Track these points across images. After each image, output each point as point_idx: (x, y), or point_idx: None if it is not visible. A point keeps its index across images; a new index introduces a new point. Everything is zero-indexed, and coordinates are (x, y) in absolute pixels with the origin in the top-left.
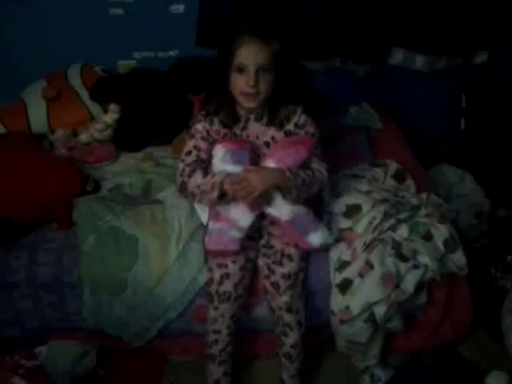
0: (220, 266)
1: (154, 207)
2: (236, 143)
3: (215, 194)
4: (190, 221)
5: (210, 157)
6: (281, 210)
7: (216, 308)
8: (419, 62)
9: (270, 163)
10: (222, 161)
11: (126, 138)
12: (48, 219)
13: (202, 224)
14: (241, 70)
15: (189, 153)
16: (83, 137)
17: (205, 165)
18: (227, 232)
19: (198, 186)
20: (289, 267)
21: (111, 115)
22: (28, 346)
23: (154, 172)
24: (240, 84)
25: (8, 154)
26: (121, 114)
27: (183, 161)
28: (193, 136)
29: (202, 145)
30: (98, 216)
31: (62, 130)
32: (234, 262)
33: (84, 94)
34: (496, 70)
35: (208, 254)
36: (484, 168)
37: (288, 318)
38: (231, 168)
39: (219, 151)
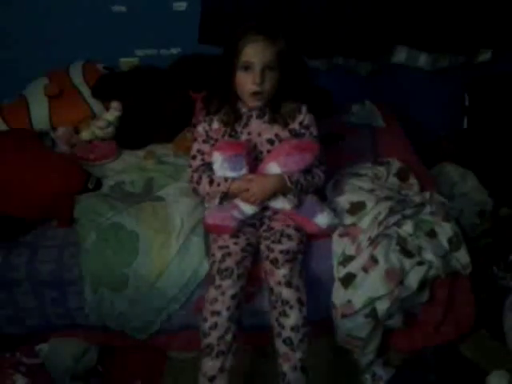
0: (221, 247)
1: (156, 204)
2: (232, 149)
3: (217, 201)
4: (191, 217)
5: None
6: (284, 201)
7: (218, 287)
8: (422, 60)
9: (274, 167)
10: (221, 168)
11: (127, 136)
12: (49, 217)
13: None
14: (247, 68)
15: (194, 157)
16: (85, 134)
17: (211, 166)
18: (228, 210)
19: (208, 193)
20: (288, 245)
21: (113, 113)
22: (29, 343)
23: (156, 170)
24: (245, 82)
25: (9, 152)
26: (122, 112)
27: (190, 166)
28: (195, 139)
29: (205, 148)
30: (99, 213)
31: (63, 128)
32: (235, 243)
33: (86, 92)
34: (499, 68)
35: (207, 230)
36: (487, 167)
37: (287, 293)
38: (230, 174)
39: (217, 159)
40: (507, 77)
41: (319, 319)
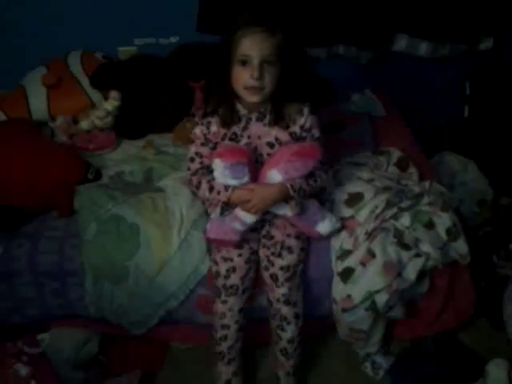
0: (225, 259)
1: (156, 195)
2: (234, 156)
3: (218, 210)
4: (192, 210)
5: None
6: (285, 208)
7: (224, 302)
8: (423, 48)
9: (275, 174)
10: (222, 176)
11: (126, 126)
12: (49, 207)
13: (204, 212)
14: (244, 62)
15: (192, 160)
16: (84, 124)
17: (210, 169)
18: (229, 223)
19: (207, 199)
20: (288, 260)
21: (112, 102)
22: (31, 332)
23: (155, 160)
24: (243, 77)
25: (9, 142)
26: (121, 101)
27: (189, 169)
28: (193, 141)
29: (204, 151)
30: (99, 204)
31: (62, 118)
32: (239, 255)
33: (84, 81)
34: (501, 56)
35: (209, 243)
36: (487, 156)
37: (285, 310)
38: (231, 182)
39: (218, 166)
40: (509, 65)
41: (320, 314)
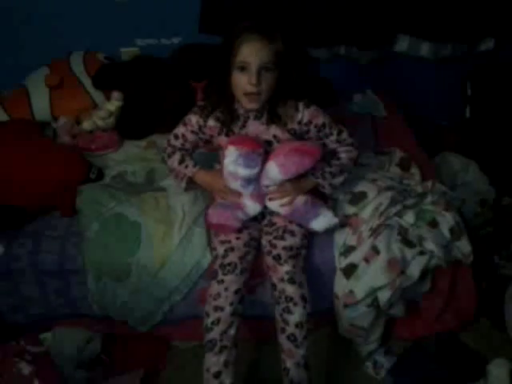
0: (223, 242)
1: (158, 194)
2: (250, 145)
3: (183, 184)
4: (193, 207)
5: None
6: (278, 207)
7: (220, 281)
8: (424, 49)
9: (272, 166)
10: (235, 163)
11: (129, 126)
12: (51, 207)
13: (205, 209)
14: (243, 68)
15: (176, 137)
16: (86, 124)
17: (188, 153)
18: (232, 210)
19: (174, 169)
20: (291, 241)
21: (114, 103)
22: (33, 332)
23: (157, 160)
24: (242, 83)
25: (11, 142)
26: (124, 102)
27: (169, 140)
28: (185, 124)
29: (190, 137)
30: (101, 203)
31: (65, 118)
32: (237, 238)
33: (87, 82)
34: (502, 57)
35: (209, 228)
36: (489, 156)
37: (291, 290)
38: (243, 171)
39: (232, 153)
40: (510, 65)
41: (321, 309)
